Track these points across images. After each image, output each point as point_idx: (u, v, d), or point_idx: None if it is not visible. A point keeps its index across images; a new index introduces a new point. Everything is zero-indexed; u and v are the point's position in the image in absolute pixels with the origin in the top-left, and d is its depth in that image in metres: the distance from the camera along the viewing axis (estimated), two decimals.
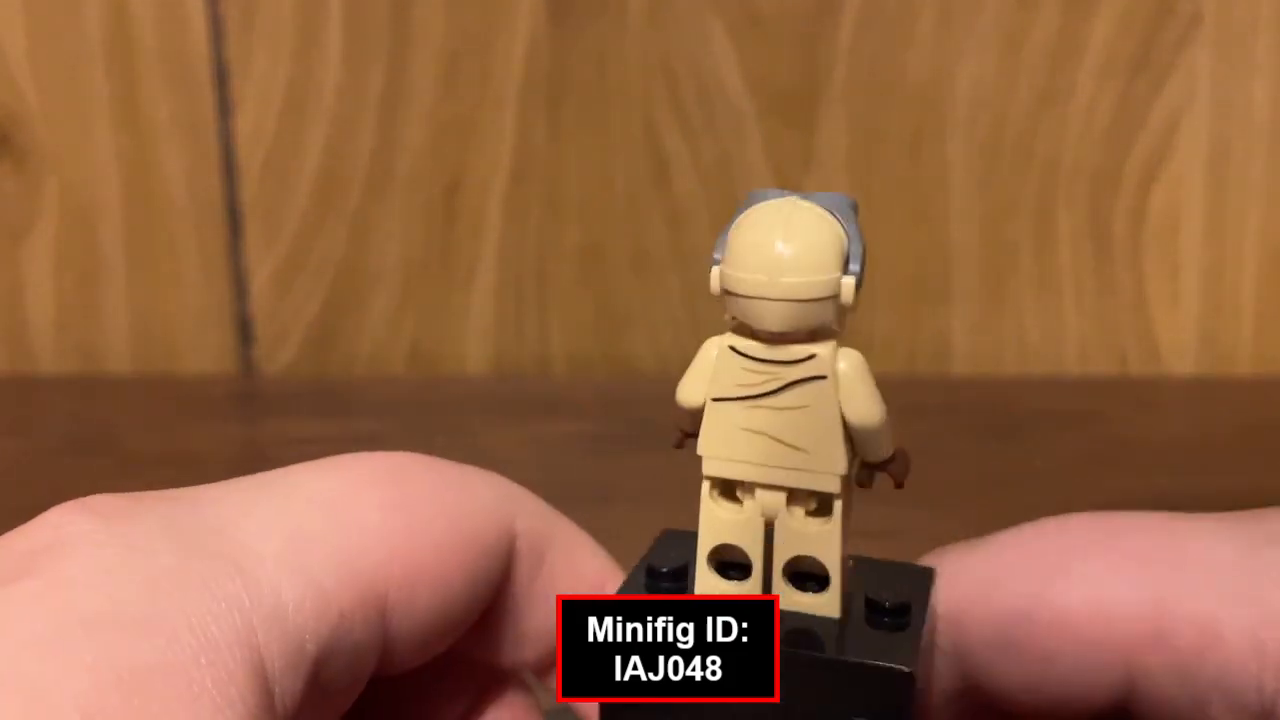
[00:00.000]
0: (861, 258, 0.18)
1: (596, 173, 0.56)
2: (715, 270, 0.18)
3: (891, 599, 0.19)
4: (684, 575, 0.20)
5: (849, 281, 0.18)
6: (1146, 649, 0.18)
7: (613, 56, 0.54)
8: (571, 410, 0.53)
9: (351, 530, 0.18)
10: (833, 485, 0.19)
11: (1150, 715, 0.19)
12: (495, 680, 0.22)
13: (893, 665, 0.19)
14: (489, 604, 0.21)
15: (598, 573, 0.22)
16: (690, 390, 0.19)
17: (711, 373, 0.19)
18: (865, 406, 0.18)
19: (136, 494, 0.18)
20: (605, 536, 0.23)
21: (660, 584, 0.20)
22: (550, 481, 0.44)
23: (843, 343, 0.19)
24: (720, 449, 0.19)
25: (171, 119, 0.56)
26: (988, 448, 0.48)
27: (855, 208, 0.18)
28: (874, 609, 0.19)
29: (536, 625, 0.21)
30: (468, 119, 0.55)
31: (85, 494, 0.17)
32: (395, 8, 0.54)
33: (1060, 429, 0.50)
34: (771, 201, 0.19)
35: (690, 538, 0.20)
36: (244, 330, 0.58)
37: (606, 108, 0.55)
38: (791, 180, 0.55)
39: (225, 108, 0.55)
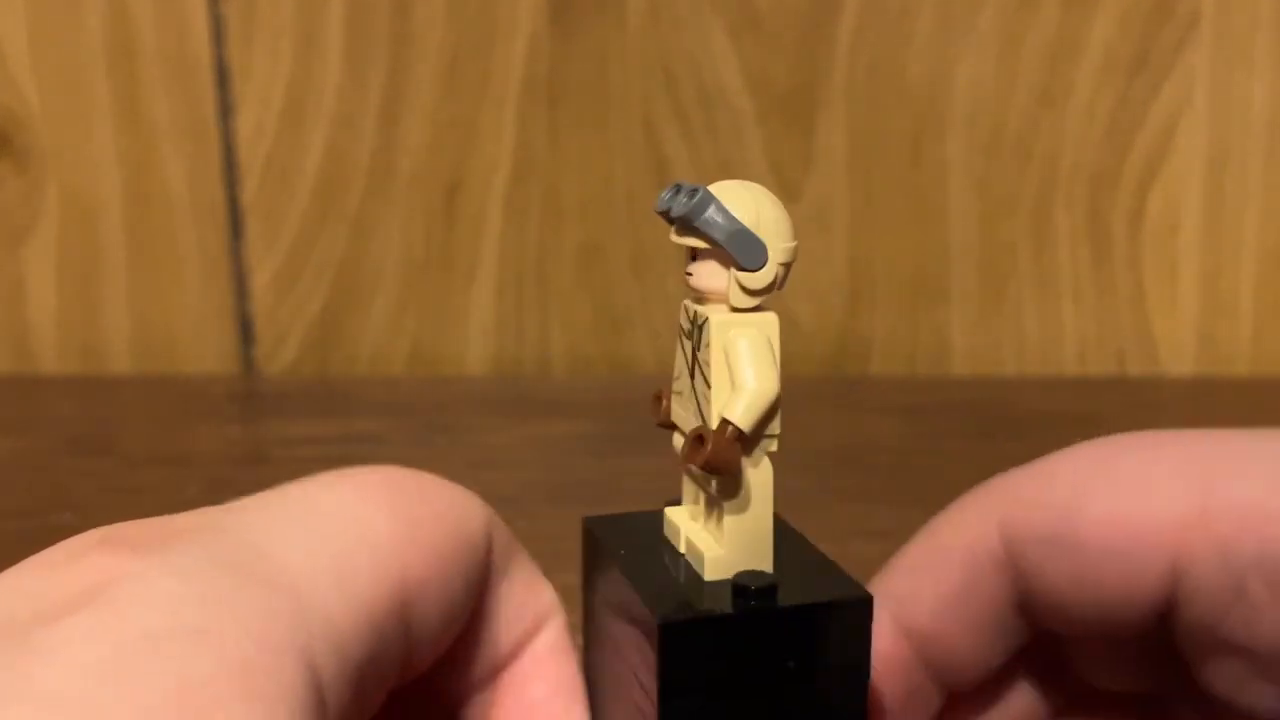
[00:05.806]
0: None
1: (596, 173, 0.56)
2: (775, 265, 0.18)
3: None
4: (775, 593, 0.19)
5: None
6: (1191, 534, 0.19)
7: (613, 57, 0.54)
8: (571, 410, 0.53)
9: (375, 541, 0.19)
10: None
11: (1190, 604, 0.19)
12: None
13: (855, 594, 0.19)
14: (475, 608, 0.21)
15: (552, 594, 0.22)
16: (776, 380, 0.19)
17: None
18: None
19: (163, 521, 0.18)
20: None
21: (750, 603, 0.19)
22: (550, 481, 0.45)
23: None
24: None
25: (172, 119, 0.56)
26: (986, 448, 0.48)
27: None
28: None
29: (495, 634, 0.22)
30: (468, 119, 0.55)
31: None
32: (395, 8, 0.54)
33: (1059, 429, 0.50)
34: (737, 183, 0.19)
35: (626, 519, 0.20)
36: (245, 330, 0.58)
37: (606, 108, 0.55)
38: (791, 180, 0.55)
39: (226, 108, 0.55)
